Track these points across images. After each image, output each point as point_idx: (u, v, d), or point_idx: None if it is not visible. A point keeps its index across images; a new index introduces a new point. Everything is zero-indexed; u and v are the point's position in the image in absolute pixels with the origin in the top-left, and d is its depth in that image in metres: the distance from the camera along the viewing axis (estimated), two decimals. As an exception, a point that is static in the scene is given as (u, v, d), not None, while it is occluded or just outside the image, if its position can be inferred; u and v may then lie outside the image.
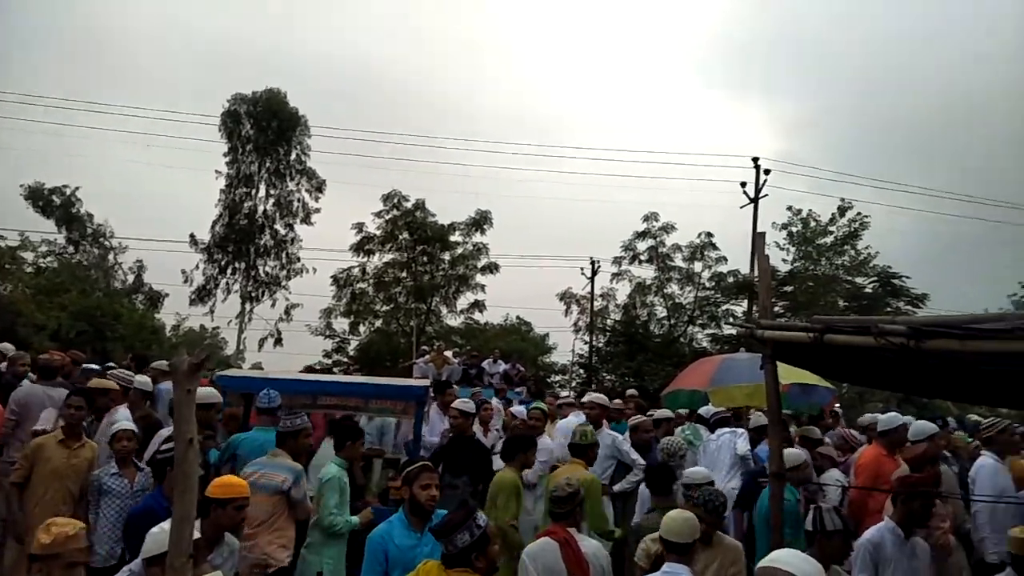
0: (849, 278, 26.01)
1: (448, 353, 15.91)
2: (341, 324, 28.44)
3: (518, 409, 8.94)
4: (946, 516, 5.03)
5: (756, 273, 4.49)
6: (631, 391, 11.82)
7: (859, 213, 26.49)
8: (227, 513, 3.74)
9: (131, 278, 31.01)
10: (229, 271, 30.25)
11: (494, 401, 9.49)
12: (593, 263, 28.91)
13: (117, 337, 20.67)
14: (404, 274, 27.68)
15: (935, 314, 16.42)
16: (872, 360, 3.64)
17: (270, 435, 5.14)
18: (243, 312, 29.68)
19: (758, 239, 4.06)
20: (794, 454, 5.36)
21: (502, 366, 16.18)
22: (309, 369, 16.76)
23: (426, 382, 7.83)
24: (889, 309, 22.06)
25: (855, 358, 3.67)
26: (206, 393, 5.66)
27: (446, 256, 27.75)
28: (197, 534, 2.69)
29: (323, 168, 30.97)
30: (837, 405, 9.76)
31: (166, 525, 2.66)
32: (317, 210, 30.96)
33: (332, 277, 27.76)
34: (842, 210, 26.58)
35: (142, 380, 6.81)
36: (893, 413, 6.77)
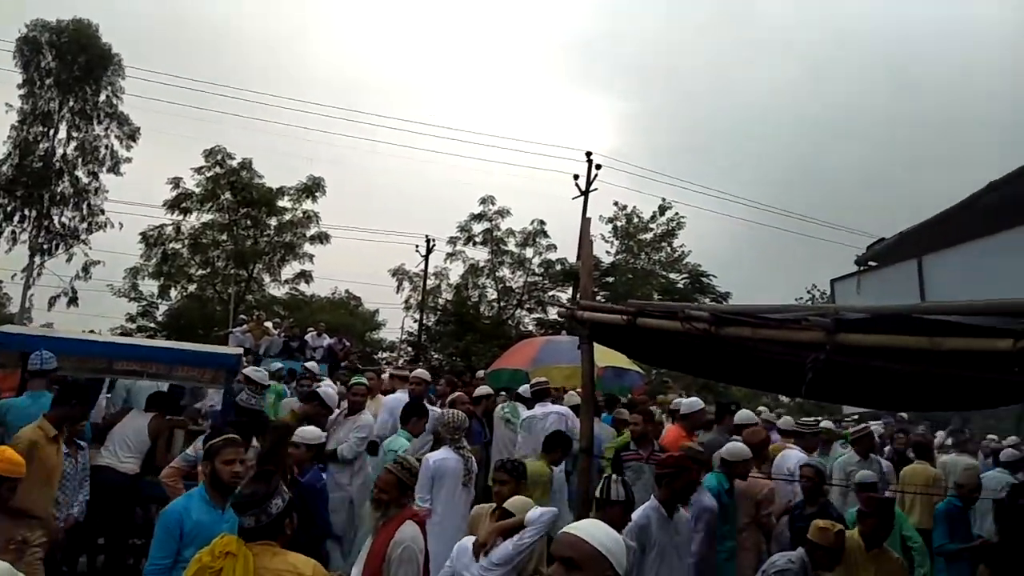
0: (664, 273, 27.97)
1: (268, 324, 15.16)
2: (149, 286, 26.14)
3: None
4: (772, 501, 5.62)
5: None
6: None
7: (676, 213, 28.49)
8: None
9: None
10: (16, 218, 26.56)
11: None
12: (428, 241, 28.81)
13: None
14: (224, 237, 25.85)
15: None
16: (679, 344, 3.89)
17: (43, 400, 4.58)
18: (31, 265, 26.18)
19: (584, 224, 4.19)
20: (739, 448, 5.44)
21: (327, 340, 15.66)
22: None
23: (239, 351, 7.35)
24: (697, 304, 24.03)
25: (664, 342, 3.91)
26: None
27: (272, 222, 26.25)
28: None
29: (138, 115, 28.02)
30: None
31: None
32: (128, 159, 27.89)
33: (141, 234, 25.20)
34: (662, 209, 28.40)
35: None
36: (694, 398, 7.37)
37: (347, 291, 37.38)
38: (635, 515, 4.37)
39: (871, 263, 6.82)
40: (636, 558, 4.19)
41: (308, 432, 4.90)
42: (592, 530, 2.17)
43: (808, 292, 31.79)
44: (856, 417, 8.19)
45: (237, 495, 2.91)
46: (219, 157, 25.11)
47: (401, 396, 7.21)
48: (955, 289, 4.52)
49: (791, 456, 6.19)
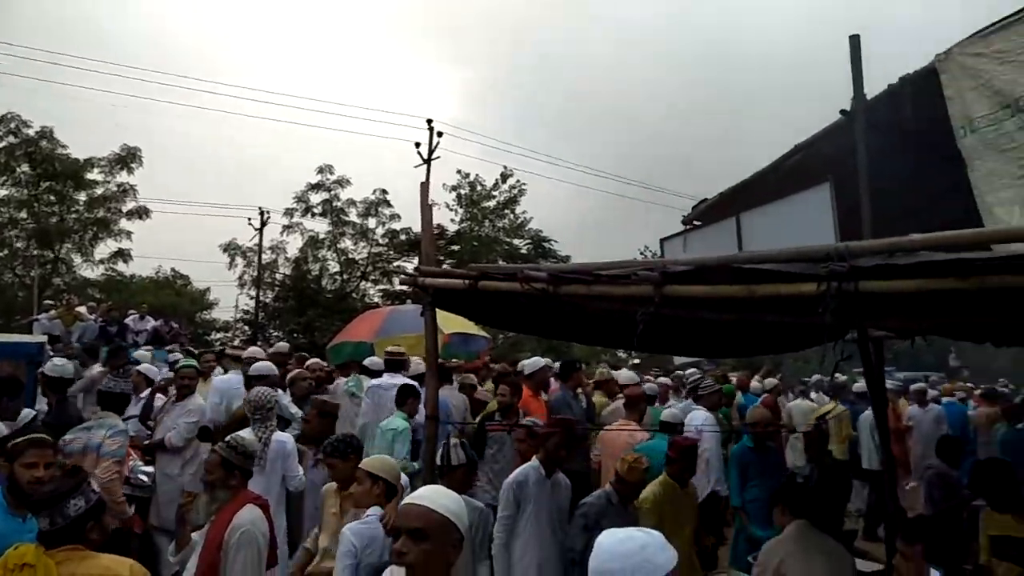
0: (508, 240, 28.46)
1: (82, 309, 13.72)
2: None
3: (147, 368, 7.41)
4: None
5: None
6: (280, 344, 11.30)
7: (518, 180, 28.96)
8: None
9: None
10: None
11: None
12: (262, 213, 27.32)
13: None
14: (24, 215, 23.01)
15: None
16: (520, 306, 3.92)
17: None
18: None
19: (423, 188, 4.08)
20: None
21: (151, 323, 14.48)
22: None
23: (42, 339, 6.57)
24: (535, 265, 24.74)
25: (506, 304, 3.92)
26: None
27: (81, 196, 23.68)
28: None
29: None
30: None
31: None
32: None
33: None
34: (504, 177, 28.77)
35: None
36: (537, 357, 7.59)
37: (173, 270, 34.83)
38: (515, 472, 4.46)
39: (696, 222, 7.27)
40: (512, 514, 4.27)
41: None
42: (436, 497, 2.13)
43: (641, 253, 33.63)
44: (694, 371, 8.77)
45: (41, 495, 2.59)
46: (13, 125, 22.14)
47: (232, 377, 6.82)
48: (768, 243, 4.90)
49: (697, 416, 6.56)
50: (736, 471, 5.82)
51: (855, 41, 5.29)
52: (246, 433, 4.89)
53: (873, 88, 5.15)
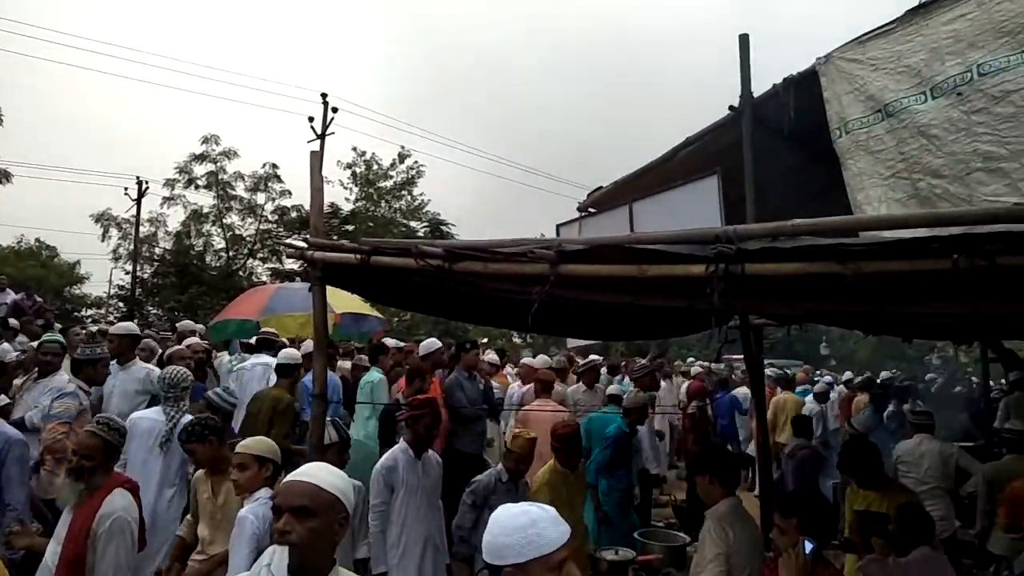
0: (405, 221, 28.01)
1: (-73, 279, 12.41)
2: None
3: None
4: None
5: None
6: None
7: (416, 161, 28.50)
8: None
9: None
10: None
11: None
12: (140, 183, 25.54)
13: None
14: None
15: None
16: (415, 284, 3.83)
17: None
18: None
19: (313, 158, 3.89)
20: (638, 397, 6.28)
21: (10, 296, 13.29)
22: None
23: None
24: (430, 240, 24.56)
25: (401, 282, 3.82)
26: None
27: (-73, 157, 21.35)
28: None
29: None
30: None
31: None
32: None
33: None
34: (402, 157, 28.18)
35: None
36: (432, 339, 7.54)
37: (38, 240, 32.14)
38: (383, 457, 4.39)
39: (591, 209, 7.38)
40: (385, 500, 4.22)
41: None
42: (322, 475, 2.05)
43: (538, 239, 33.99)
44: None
45: None
46: None
47: None
48: (658, 229, 5.02)
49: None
50: (609, 453, 5.97)
51: (744, 40, 5.53)
52: (154, 412, 4.63)
53: (766, 83, 5.41)
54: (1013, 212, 1.74)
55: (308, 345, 6.91)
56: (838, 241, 1.92)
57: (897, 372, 15.65)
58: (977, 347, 8.95)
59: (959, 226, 1.83)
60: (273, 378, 6.37)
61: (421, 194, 28.67)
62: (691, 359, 15.39)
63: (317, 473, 2.06)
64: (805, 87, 5.15)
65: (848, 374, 15.14)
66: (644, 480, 6.79)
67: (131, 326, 6.30)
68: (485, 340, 11.92)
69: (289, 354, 6.30)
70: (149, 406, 5.40)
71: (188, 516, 4.05)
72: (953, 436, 7.69)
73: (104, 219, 25.80)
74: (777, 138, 5.59)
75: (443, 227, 27.51)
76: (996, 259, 1.71)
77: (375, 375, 6.80)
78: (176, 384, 4.67)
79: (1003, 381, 9.79)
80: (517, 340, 23.74)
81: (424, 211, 28.46)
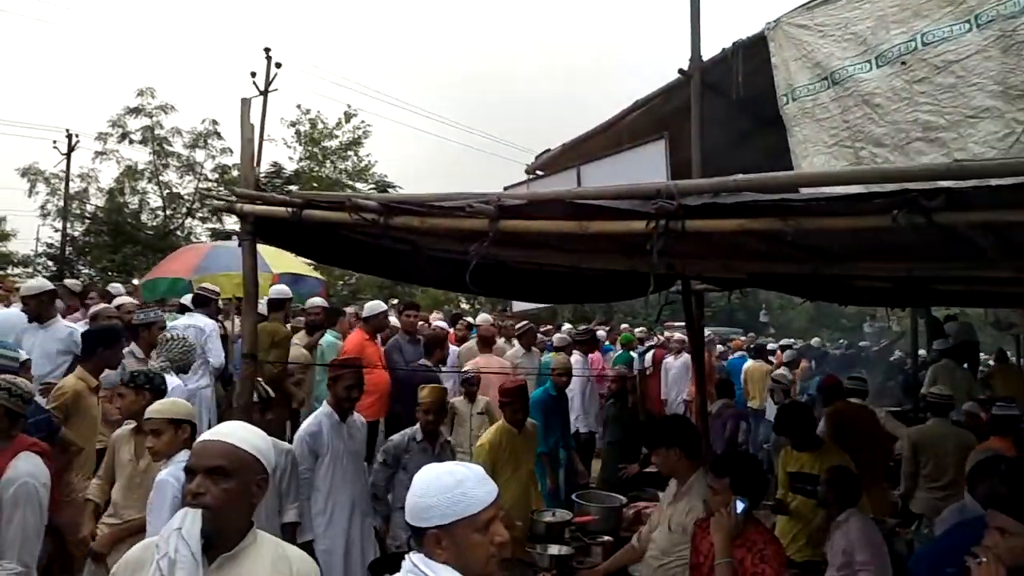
0: (351, 183, 27.33)
1: None
2: None
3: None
4: None
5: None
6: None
7: (363, 121, 27.69)
8: None
9: None
10: None
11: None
12: (70, 136, 24.25)
13: None
14: None
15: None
16: (351, 241, 3.69)
17: None
18: None
19: (243, 104, 3.67)
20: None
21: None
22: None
23: None
24: (365, 194, 24.09)
25: (336, 238, 3.67)
26: None
27: None
28: None
29: None
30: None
31: None
32: None
33: None
34: (348, 116, 27.31)
35: None
36: (376, 301, 7.40)
37: (-41, 194, 30.35)
38: (306, 422, 4.26)
39: (539, 172, 7.28)
40: (310, 466, 4.09)
41: None
42: (239, 433, 1.95)
43: (483, 203, 33.72)
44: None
45: None
46: None
47: (7, 311, 6.09)
48: (604, 192, 4.97)
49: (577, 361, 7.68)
50: (540, 417, 5.74)
51: (695, 2, 5.45)
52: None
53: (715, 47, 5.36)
54: (953, 169, 1.71)
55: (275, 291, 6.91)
56: (780, 197, 1.88)
57: (827, 342, 16.30)
58: (908, 317, 9.26)
59: (899, 183, 1.80)
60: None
61: (368, 155, 28.02)
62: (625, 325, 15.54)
63: (233, 431, 1.95)
64: (755, 52, 5.11)
65: (785, 341, 15.65)
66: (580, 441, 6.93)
67: (43, 282, 5.96)
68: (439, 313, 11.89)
69: (280, 289, 7.04)
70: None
71: (96, 477, 3.86)
72: (884, 402, 8.00)
73: (31, 173, 24.51)
74: (726, 103, 5.56)
75: (390, 188, 26.95)
76: (933, 216, 1.70)
77: (329, 337, 7.04)
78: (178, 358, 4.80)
79: (929, 350, 10.20)
80: (465, 306, 23.67)
81: (370, 172, 27.84)
